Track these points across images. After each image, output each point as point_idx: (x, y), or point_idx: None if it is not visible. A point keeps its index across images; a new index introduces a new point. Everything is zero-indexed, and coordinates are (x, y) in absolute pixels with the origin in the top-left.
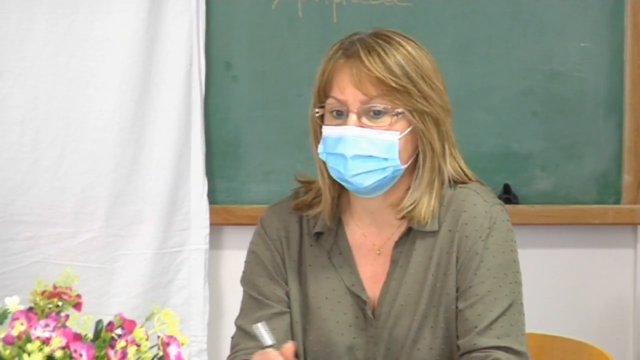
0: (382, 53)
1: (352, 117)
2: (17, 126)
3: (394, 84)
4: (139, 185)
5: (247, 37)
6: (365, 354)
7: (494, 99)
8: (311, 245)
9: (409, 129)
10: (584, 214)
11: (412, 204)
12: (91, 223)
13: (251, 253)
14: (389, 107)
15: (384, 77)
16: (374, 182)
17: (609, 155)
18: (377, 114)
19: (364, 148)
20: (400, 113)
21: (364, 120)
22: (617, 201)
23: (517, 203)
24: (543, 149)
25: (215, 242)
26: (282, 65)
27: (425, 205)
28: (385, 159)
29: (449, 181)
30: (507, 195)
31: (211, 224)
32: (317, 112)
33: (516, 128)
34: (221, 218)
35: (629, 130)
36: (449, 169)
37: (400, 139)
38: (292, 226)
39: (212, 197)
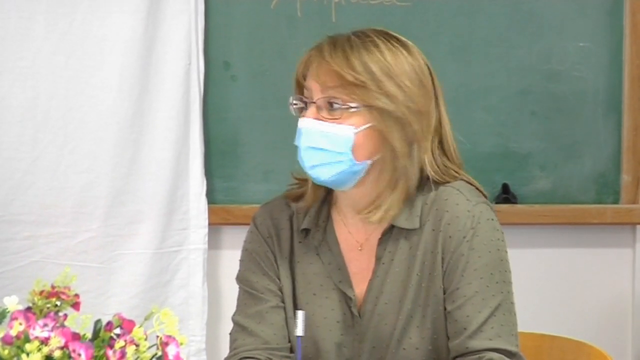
0: (347, 48)
1: (311, 109)
2: (16, 126)
3: (350, 78)
4: (138, 184)
5: (246, 36)
6: (352, 352)
7: (492, 99)
8: (300, 242)
9: (367, 125)
10: (582, 213)
11: (372, 208)
12: (90, 223)
13: (245, 251)
14: (345, 100)
15: (342, 70)
16: (332, 176)
17: (608, 154)
18: (334, 107)
19: (316, 140)
20: (355, 107)
21: (324, 113)
22: (616, 201)
23: (515, 203)
24: (542, 149)
25: (214, 241)
26: (281, 65)
27: (384, 205)
28: (338, 153)
29: (432, 181)
30: (506, 195)
31: (210, 224)
32: (295, 104)
33: (515, 128)
34: (220, 218)
35: (627, 130)
36: (428, 169)
37: (356, 133)
38: (284, 224)
39: (211, 196)
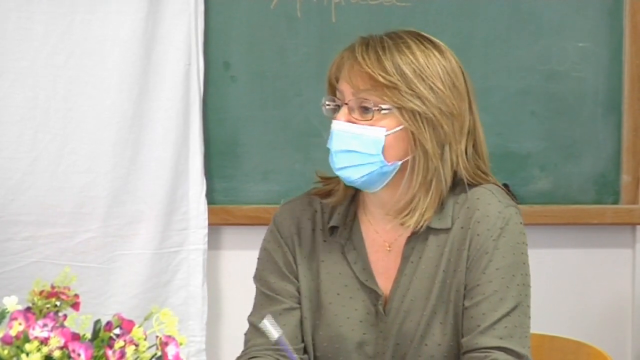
0: (379, 50)
1: (343, 111)
2: (16, 126)
3: (382, 80)
4: (138, 185)
5: (245, 37)
6: (375, 350)
7: (492, 99)
8: (324, 241)
9: (400, 127)
10: (582, 214)
11: (408, 212)
12: (89, 223)
13: (263, 250)
14: (377, 102)
15: (373, 72)
16: (362, 177)
17: (608, 155)
18: (366, 109)
19: (347, 143)
20: (387, 109)
21: (355, 114)
22: (616, 201)
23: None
24: (542, 149)
25: (213, 242)
26: (280, 65)
27: (420, 209)
28: (369, 155)
29: (465, 182)
30: None
31: (209, 224)
32: (328, 105)
33: (515, 128)
34: (220, 218)
35: (627, 130)
36: (462, 171)
37: (387, 135)
38: (304, 223)
39: (211, 197)
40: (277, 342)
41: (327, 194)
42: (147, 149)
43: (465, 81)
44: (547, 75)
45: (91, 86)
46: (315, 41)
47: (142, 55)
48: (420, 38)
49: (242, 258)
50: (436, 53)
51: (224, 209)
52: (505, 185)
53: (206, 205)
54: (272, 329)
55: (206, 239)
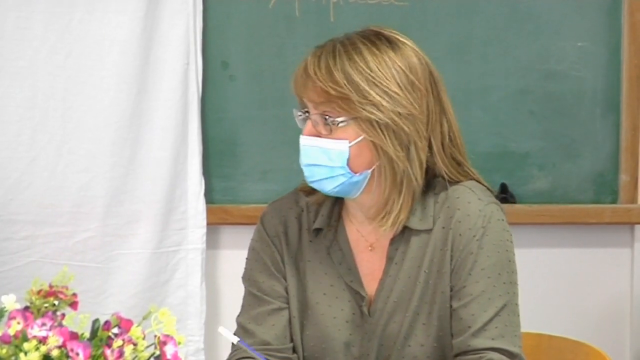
0: (330, 60)
1: (308, 126)
2: (15, 125)
3: (333, 92)
4: (136, 184)
5: (244, 36)
6: (360, 350)
7: (491, 99)
8: (310, 241)
9: (361, 138)
10: (580, 213)
11: (383, 215)
12: (88, 222)
13: (251, 250)
14: (334, 114)
15: (324, 85)
16: (334, 188)
17: (606, 154)
18: (327, 121)
19: (314, 157)
20: (343, 121)
21: (320, 127)
22: (614, 200)
23: (514, 202)
24: (540, 149)
25: (212, 241)
26: (279, 65)
27: (394, 210)
28: (336, 167)
29: (444, 178)
30: (504, 195)
31: (208, 224)
32: (300, 116)
33: (513, 127)
34: (218, 217)
35: (625, 130)
36: (441, 166)
37: (350, 147)
38: (291, 222)
39: (209, 196)
40: (238, 346)
41: (313, 190)
42: (145, 149)
43: (430, 73)
44: (545, 75)
45: (90, 86)
46: (313, 40)
47: (140, 55)
48: (375, 39)
49: (240, 257)
50: (390, 53)
51: (223, 209)
52: (503, 185)
53: (205, 205)
54: (230, 334)
55: (204, 238)
